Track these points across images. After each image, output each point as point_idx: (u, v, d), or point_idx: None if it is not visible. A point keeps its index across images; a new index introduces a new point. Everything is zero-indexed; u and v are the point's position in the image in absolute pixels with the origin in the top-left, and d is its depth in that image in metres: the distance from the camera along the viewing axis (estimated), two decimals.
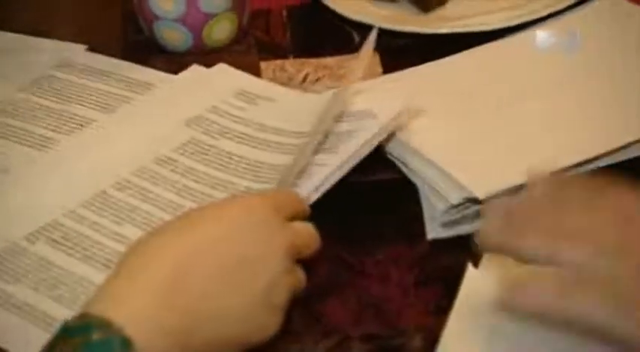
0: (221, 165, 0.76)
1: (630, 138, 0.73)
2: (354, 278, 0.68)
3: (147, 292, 0.56)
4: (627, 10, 0.88)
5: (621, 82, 0.80)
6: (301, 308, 0.64)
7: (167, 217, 0.71)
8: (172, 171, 0.75)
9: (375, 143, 0.73)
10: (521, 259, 0.57)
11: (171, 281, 0.56)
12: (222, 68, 0.86)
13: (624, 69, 0.81)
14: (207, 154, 0.77)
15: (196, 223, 0.60)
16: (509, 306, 0.58)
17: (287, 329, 0.61)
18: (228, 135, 0.78)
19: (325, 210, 0.70)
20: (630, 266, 0.54)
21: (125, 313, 0.54)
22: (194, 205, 0.72)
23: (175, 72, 0.86)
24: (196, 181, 0.74)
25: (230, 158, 0.76)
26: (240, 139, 0.78)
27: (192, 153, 0.77)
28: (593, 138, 0.74)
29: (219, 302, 0.58)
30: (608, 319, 0.54)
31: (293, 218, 0.64)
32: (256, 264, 0.59)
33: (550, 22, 0.88)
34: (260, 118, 0.79)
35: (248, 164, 0.76)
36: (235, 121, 0.80)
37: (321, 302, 0.66)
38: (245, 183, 0.74)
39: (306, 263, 0.64)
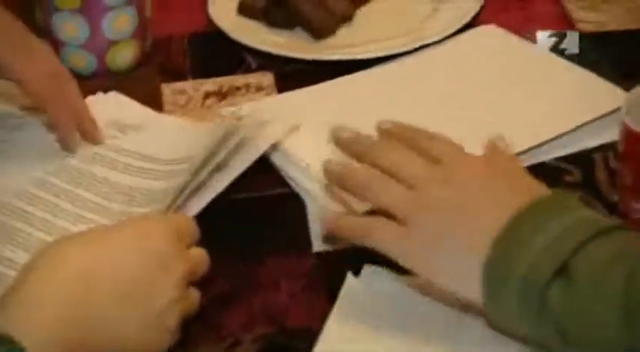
0: (94, 188, 0.78)
1: None
2: (247, 287, 0.72)
3: (43, 307, 0.58)
4: (501, 36, 0.95)
5: (498, 99, 0.86)
6: (196, 318, 0.67)
7: (43, 236, 0.73)
8: (47, 192, 0.77)
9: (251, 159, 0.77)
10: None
11: (68, 297, 0.59)
12: (111, 96, 0.88)
13: (499, 88, 0.88)
14: (80, 178, 0.79)
15: (94, 244, 0.63)
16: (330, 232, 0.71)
17: (183, 340, 0.65)
18: (100, 162, 0.81)
19: (221, 225, 0.75)
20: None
21: (22, 327, 0.57)
22: (69, 225, 0.74)
23: None
24: (71, 203, 0.77)
25: (100, 182, 0.79)
26: (111, 165, 0.80)
27: (66, 177, 0.79)
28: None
29: (113, 319, 0.61)
30: (391, 248, 0.65)
31: (191, 243, 0.67)
32: (150, 289, 0.62)
33: (432, 48, 0.94)
34: (129, 145, 0.82)
35: (112, 187, 0.78)
36: (105, 147, 0.82)
37: (215, 311, 0.70)
38: (116, 206, 0.76)
39: (203, 276, 0.67)
